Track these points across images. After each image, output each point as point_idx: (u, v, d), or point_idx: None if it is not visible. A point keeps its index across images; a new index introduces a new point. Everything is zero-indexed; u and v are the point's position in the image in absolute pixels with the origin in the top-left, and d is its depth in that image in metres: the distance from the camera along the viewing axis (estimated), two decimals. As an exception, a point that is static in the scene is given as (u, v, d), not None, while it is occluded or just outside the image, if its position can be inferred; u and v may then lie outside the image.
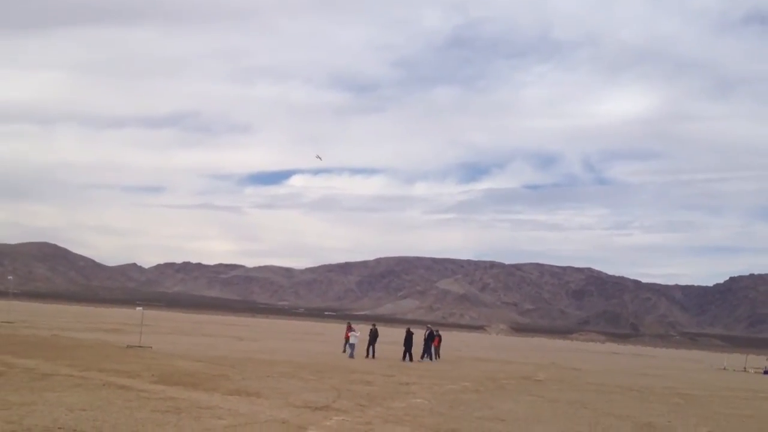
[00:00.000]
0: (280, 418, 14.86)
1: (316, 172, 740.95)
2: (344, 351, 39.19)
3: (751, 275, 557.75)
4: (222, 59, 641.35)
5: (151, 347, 33.24)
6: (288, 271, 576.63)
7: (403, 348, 38.17)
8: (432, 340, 40.07)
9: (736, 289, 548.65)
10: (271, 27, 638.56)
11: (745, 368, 67.94)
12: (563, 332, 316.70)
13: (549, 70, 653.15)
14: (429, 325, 44.49)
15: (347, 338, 39.08)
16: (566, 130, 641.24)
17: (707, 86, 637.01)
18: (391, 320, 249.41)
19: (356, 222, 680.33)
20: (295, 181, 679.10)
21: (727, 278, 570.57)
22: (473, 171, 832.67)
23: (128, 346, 32.90)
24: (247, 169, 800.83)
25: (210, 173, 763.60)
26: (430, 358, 39.37)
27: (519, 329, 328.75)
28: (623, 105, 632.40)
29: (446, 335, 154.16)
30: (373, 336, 38.44)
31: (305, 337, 67.22)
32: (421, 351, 39.43)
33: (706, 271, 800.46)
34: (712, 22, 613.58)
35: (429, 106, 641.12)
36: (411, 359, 37.39)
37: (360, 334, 39.53)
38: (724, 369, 66.15)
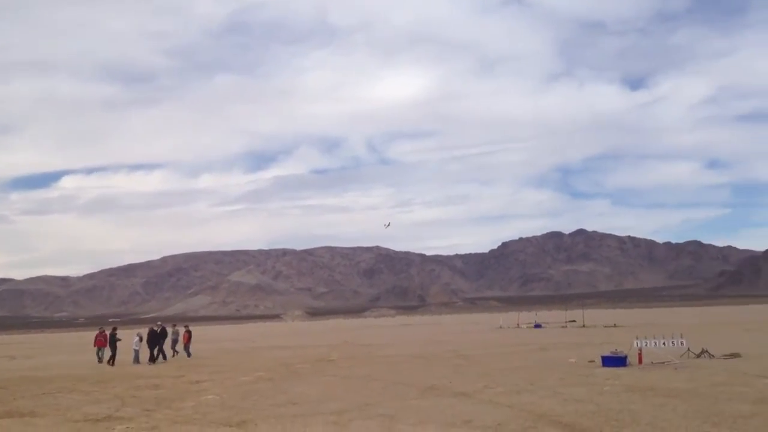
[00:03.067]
0: (56, 436, 13.84)
1: (90, 171, 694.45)
2: (100, 361, 36.35)
3: (521, 239, 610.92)
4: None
5: None
6: (64, 280, 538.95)
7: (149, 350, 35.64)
8: (161, 337, 37.63)
9: (508, 253, 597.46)
10: (30, 18, 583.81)
11: (518, 325, 74.24)
12: (357, 311, 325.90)
13: (327, 55, 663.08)
14: (159, 322, 42.05)
15: (100, 345, 36.60)
16: (348, 113, 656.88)
17: (473, 66, 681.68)
18: (182, 319, 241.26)
19: (138, 221, 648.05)
20: (67, 182, 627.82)
21: (500, 244, 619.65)
22: (260, 159, 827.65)
23: None
24: (10, 172, 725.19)
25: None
26: (164, 358, 37.23)
27: (314, 313, 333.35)
28: (399, 87, 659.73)
29: (241, 327, 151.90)
30: (154, 337, 36.15)
31: (86, 349, 62.87)
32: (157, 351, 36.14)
33: (482, 239, 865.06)
34: (475, 4, 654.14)
35: (209, 96, 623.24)
36: (155, 359, 35.28)
37: (140, 339, 37.10)
38: (500, 328, 71.75)
